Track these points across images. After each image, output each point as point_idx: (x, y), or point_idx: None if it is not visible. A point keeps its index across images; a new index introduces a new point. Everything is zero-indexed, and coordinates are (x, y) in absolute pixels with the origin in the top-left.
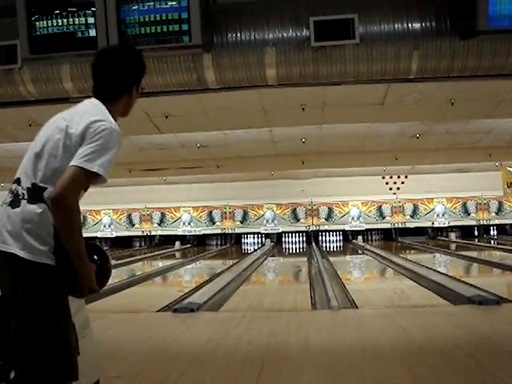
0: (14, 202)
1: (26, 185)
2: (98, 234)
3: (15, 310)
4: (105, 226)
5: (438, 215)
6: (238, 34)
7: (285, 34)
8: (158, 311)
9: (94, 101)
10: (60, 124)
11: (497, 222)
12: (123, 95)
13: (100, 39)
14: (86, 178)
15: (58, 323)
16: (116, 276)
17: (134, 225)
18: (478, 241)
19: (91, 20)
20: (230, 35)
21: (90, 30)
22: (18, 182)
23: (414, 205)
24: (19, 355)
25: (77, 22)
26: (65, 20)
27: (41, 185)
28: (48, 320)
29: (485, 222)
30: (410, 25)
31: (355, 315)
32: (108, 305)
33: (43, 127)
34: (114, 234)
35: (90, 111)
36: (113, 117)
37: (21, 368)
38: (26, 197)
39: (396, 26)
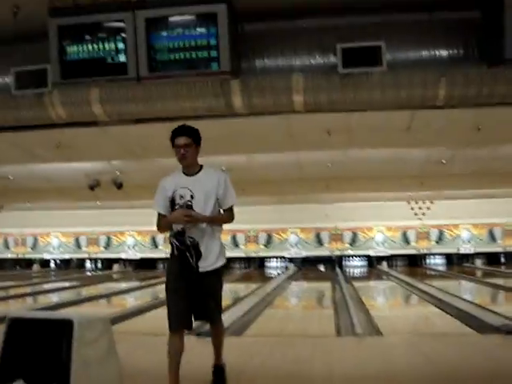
0: None
1: None
2: None
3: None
4: None
5: (463, 241)
6: (266, 61)
7: (312, 61)
8: None
9: None
10: None
11: None
12: None
13: (130, 65)
14: None
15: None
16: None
17: None
18: (506, 268)
19: (121, 46)
20: (257, 61)
21: (119, 56)
22: None
23: (440, 230)
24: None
25: (107, 48)
26: (95, 46)
27: None
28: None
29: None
30: (436, 52)
31: (380, 342)
32: None
33: None
34: None
35: None
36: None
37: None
38: None
39: (423, 53)
